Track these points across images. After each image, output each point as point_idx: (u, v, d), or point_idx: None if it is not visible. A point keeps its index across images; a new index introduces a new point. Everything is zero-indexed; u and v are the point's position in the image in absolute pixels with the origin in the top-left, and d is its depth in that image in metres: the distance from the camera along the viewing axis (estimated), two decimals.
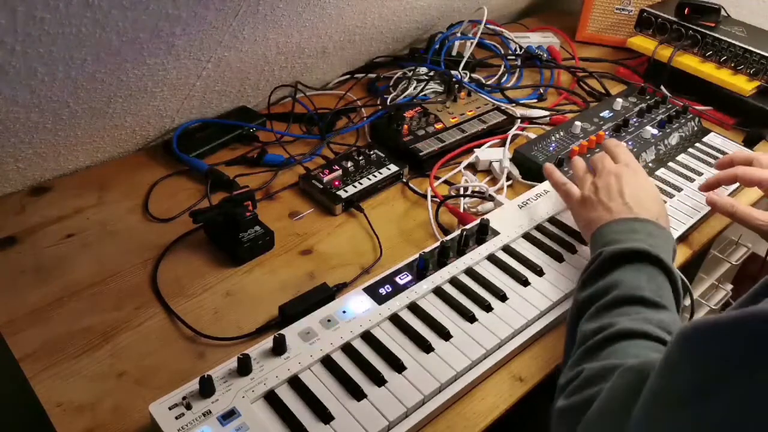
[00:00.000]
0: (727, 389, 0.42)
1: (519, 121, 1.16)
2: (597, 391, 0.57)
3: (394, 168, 1.00)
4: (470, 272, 0.81)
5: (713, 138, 1.14)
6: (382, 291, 0.76)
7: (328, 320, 0.72)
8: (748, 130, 1.19)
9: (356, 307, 0.74)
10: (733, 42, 1.22)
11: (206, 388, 0.63)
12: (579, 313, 0.68)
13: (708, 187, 0.94)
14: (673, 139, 1.11)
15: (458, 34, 1.34)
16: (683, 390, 0.45)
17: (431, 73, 1.24)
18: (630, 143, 1.06)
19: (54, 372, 0.70)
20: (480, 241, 0.85)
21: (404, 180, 1.02)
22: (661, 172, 1.04)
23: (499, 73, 1.32)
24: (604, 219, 0.76)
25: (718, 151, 1.11)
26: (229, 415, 0.62)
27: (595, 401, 0.56)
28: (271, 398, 0.65)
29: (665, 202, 0.97)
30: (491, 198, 0.96)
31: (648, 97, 1.20)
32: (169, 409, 0.62)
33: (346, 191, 0.95)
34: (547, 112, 1.20)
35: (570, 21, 1.54)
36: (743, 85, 1.19)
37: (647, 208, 0.77)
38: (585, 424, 0.56)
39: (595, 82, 1.32)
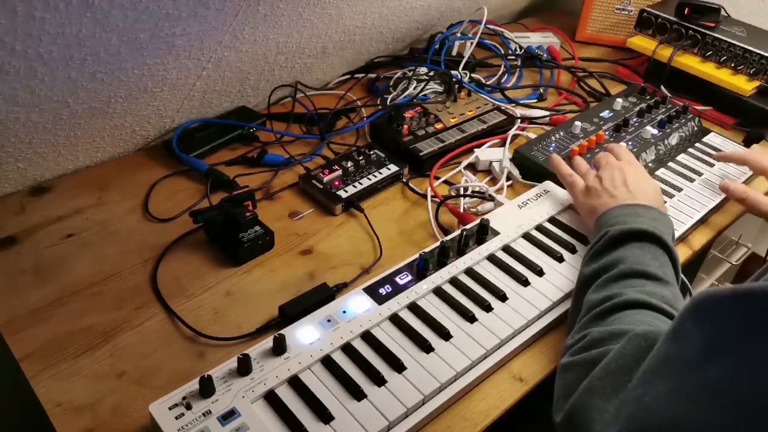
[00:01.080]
0: (733, 354, 0.45)
1: (519, 121, 1.16)
2: (603, 351, 0.61)
3: (394, 168, 1.00)
4: (470, 272, 0.81)
5: (713, 138, 1.14)
6: (382, 291, 0.76)
7: (328, 320, 0.72)
8: (748, 130, 1.19)
9: (356, 307, 0.74)
10: (733, 42, 1.22)
11: (206, 388, 0.63)
12: (586, 285, 0.73)
13: (721, 158, 1.05)
14: (673, 139, 1.11)
15: (458, 34, 1.34)
16: (692, 354, 0.48)
17: (431, 73, 1.24)
18: (630, 143, 1.06)
19: (54, 372, 0.70)
20: (480, 241, 0.85)
21: (404, 180, 1.02)
22: (661, 172, 1.04)
23: (499, 73, 1.32)
24: (609, 204, 0.81)
25: (718, 151, 1.10)
26: (229, 415, 0.62)
27: (601, 361, 0.60)
28: (271, 398, 0.65)
29: (665, 202, 0.97)
30: (491, 198, 0.96)
31: (648, 97, 1.20)
32: (169, 409, 0.62)
33: (346, 191, 0.95)
34: (547, 112, 1.20)
35: (570, 21, 1.54)
36: (743, 85, 1.19)
37: (649, 197, 0.82)
38: (589, 380, 0.59)
39: (595, 82, 1.32)
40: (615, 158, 0.90)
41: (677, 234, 0.92)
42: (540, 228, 0.89)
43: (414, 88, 1.20)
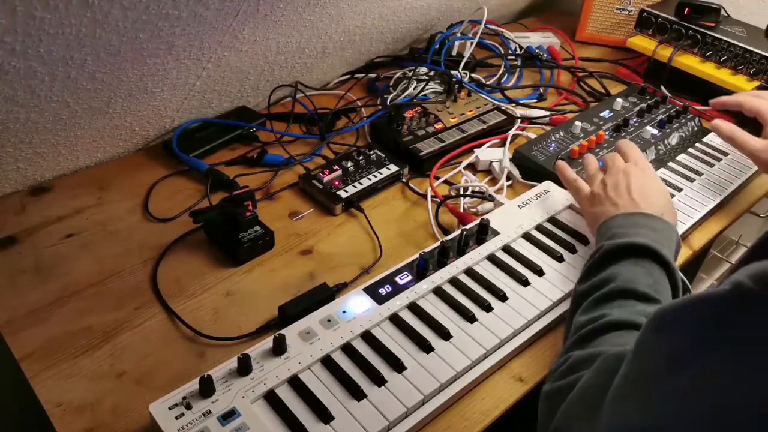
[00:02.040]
0: (693, 365, 0.43)
1: (519, 121, 1.16)
2: (580, 376, 0.59)
3: (394, 168, 1.00)
4: (470, 272, 0.81)
5: (713, 138, 1.14)
6: (382, 291, 0.76)
7: (328, 320, 0.72)
8: (748, 130, 1.18)
9: (356, 307, 0.74)
10: (733, 42, 1.22)
11: (206, 388, 0.63)
12: (576, 305, 0.71)
13: (716, 104, 1.05)
14: (673, 139, 1.11)
15: (458, 34, 1.34)
16: (655, 370, 0.47)
17: (431, 73, 1.24)
18: None
19: (54, 372, 0.70)
20: (480, 241, 0.85)
21: (404, 180, 1.02)
22: (661, 172, 1.04)
23: (499, 73, 1.32)
24: (610, 213, 0.79)
25: (718, 151, 1.10)
26: (229, 415, 0.62)
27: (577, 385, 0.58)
28: (271, 398, 0.65)
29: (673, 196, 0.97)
30: (491, 198, 0.96)
31: (648, 97, 1.20)
32: (169, 409, 0.62)
33: (346, 191, 0.95)
34: (547, 112, 1.20)
35: (570, 21, 1.54)
36: (743, 85, 1.19)
37: (653, 203, 0.79)
38: (566, 405, 0.58)
39: (595, 82, 1.32)
40: (623, 159, 0.87)
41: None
42: (540, 228, 0.89)
43: (414, 88, 1.20)
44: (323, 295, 0.79)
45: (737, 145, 0.97)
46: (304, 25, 1.07)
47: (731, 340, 0.42)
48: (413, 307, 0.76)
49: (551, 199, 0.93)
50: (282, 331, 0.69)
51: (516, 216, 0.89)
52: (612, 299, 0.67)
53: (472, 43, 1.31)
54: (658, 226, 0.75)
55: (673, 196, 0.99)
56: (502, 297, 0.78)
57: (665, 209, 0.79)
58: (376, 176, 0.98)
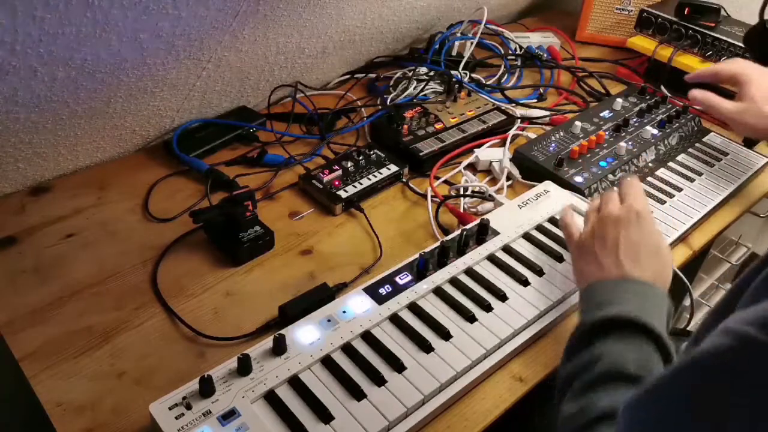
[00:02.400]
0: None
1: (519, 121, 1.16)
2: None
3: (394, 168, 1.00)
4: (470, 272, 0.81)
5: (713, 138, 1.14)
6: (382, 291, 0.76)
7: (328, 320, 0.72)
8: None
9: (356, 307, 0.74)
10: (733, 42, 1.22)
11: (206, 388, 0.63)
12: (563, 391, 0.63)
13: (691, 78, 1.06)
14: (673, 139, 1.11)
15: (458, 34, 1.34)
16: None
17: (431, 73, 1.24)
18: (630, 143, 1.06)
19: (54, 372, 0.70)
20: (480, 241, 0.85)
21: (404, 180, 1.02)
22: (661, 172, 1.04)
23: (499, 73, 1.32)
24: (594, 276, 0.71)
25: (718, 151, 1.11)
26: (229, 415, 0.62)
27: None
28: (271, 398, 0.65)
29: (665, 202, 0.97)
30: (491, 198, 0.96)
31: (648, 97, 1.20)
32: (169, 409, 0.62)
33: (346, 191, 0.95)
34: (547, 112, 1.20)
35: (570, 21, 1.54)
36: None
37: (643, 266, 0.69)
38: None
39: (595, 82, 1.32)
40: (618, 201, 0.77)
41: (677, 234, 0.92)
42: (540, 228, 0.89)
43: (414, 88, 1.20)
44: (323, 295, 0.79)
45: (713, 111, 0.99)
46: (304, 25, 1.07)
47: (748, 391, 0.41)
48: (413, 307, 0.76)
49: (551, 199, 0.93)
50: (282, 331, 0.69)
51: (516, 216, 0.89)
52: (599, 384, 0.60)
53: (472, 43, 1.31)
54: (647, 292, 0.67)
55: (673, 196, 0.99)
56: (502, 297, 0.78)
57: (657, 273, 0.70)
58: (376, 176, 0.98)
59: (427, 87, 1.20)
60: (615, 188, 0.81)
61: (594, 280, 0.70)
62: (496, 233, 0.86)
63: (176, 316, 0.77)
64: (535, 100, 1.25)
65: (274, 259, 0.86)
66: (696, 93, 1.01)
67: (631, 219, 0.73)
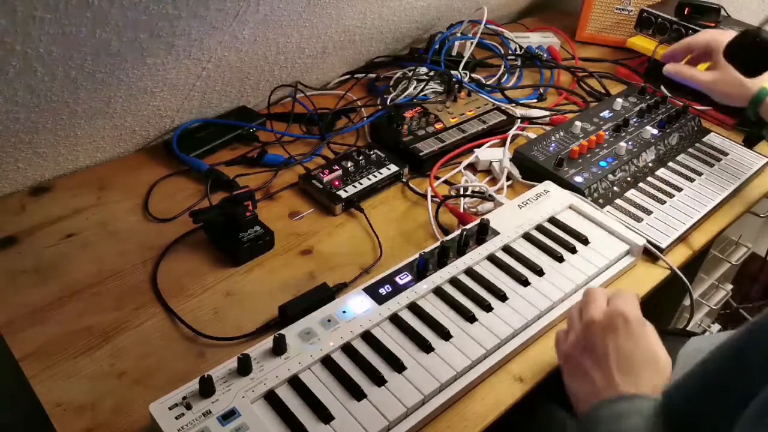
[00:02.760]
0: None
1: (519, 121, 1.16)
2: None
3: (394, 168, 1.00)
4: (470, 272, 0.81)
5: (713, 138, 1.14)
6: (382, 291, 0.76)
7: (328, 320, 0.72)
8: (748, 130, 1.19)
9: (356, 307, 0.74)
10: None
11: (206, 388, 0.63)
12: None
13: (667, 56, 1.08)
14: (673, 139, 1.11)
15: (458, 34, 1.34)
16: None
17: (431, 73, 1.24)
18: (630, 143, 1.06)
19: (54, 372, 0.70)
20: (480, 241, 0.85)
21: (404, 180, 1.02)
22: (661, 172, 1.04)
23: (499, 73, 1.32)
24: (588, 401, 0.62)
25: (718, 151, 1.11)
26: (229, 415, 0.62)
27: None
28: (271, 398, 0.65)
29: (665, 202, 0.97)
30: (491, 198, 0.96)
31: (648, 97, 1.20)
32: (169, 409, 0.62)
33: (346, 191, 0.95)
34: (547, 112, 1.20)
35: (570, 21, 1.54)
36: None
37: (639, 379, 0.61)
38: None
39: (595, 82, 1.32)
40: (604, 303, 0.67)
41: (677, 234, 0.92)
42: (540, 228, 0.89)
43: (414, 88, 1.20)
44: (323, 295, 0.79)
45: (689, 81, 1.01)
46: (304, 25, 1.07)
47: None
48: (413, 307, 0.76)
49: (551, 199, 0.93)
50: (282, 331, 0.69)
51: (516, 216, 0.89)
52: None
53: (472, 43, 1.31)
54: (645, 408, 0.58)
55: (673, 196, 0.99)
56: (502, 297, 0.78)
57: (655, 385, 0.60)
58: (376, 176, 0.98)
59: (427, 87, 1.20)
60: (600, 287, 0.74)
61: (588, 407, 0.61)
62: (496, 233, 0.86)
63: (176, 316, 0.77)
64: (535, 100, 1.25)
65: (274, 259, 0.86)
66: (669, 67, 1.04)
67: (618, 325, 0.63)
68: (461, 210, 0.95)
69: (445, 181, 1.02)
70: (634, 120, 1.13)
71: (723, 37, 0.97)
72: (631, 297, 0.68)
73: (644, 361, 0.62)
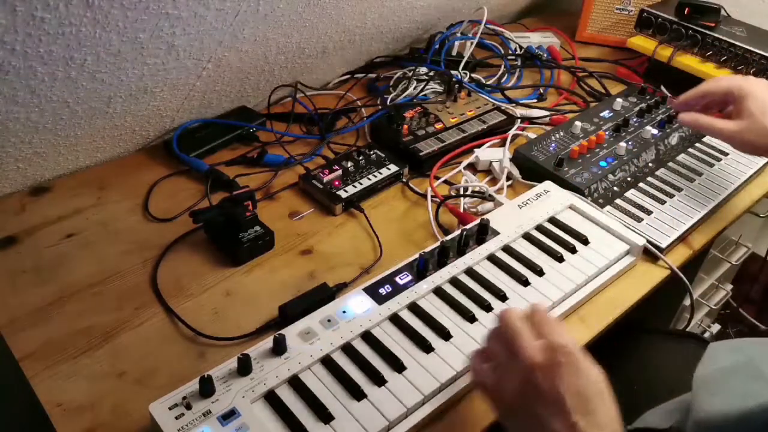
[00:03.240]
0: None
1: (519, 121, 1.16)
2: None
3: (394, 168, 1.00)
4: (470, 272, 0.81)
5: (713, 138, 1.14)
6: (382, 291, 0.76)
7: (328, 320, 0.72)
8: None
9: (356, 307, 0.74)
10: (733, 42, 1.22)
11: (206, 388, 0.63)
12: None
13: (680, 106, 0.98)
14: (673, 139, 1.11)
15: (458, 34, 1.34)
16: None
17: (431, 73, 1.24)
18: (630, 143, 1.06)
19: (54, 372, 0.70)
20: (480, 241, 0.85)
21: (404, 180, 1.02)
22: (661, 172, 1.04)
23: (499, 73, 1.32)
24: None
25: (718, 151, 1.11)
26: (229, 415, 0.62)
27: None
28: (271, 398, 0.65)
29: (665, 202, 0.97)
30: (491, 198, 0.96)
31: (648, 97, 1.20)
32: (169, 409, 0.62)
33: (346, 191, 0.95)
34: (547, 112, 1.20)
35: (570, 21, 1.54)
36: None
37: (599, 417, 0.55)
38: None
39: (595, 82, 1.32)
40: (532, 338, 0.58)
41: (677, 234, 0.92)
42: (540, 228, 0.89)
43: (414, 88, 1.20)
44: (323, 295, 0.79)
45: (708, 132, 0.93)
46: (304, 25, 1.07)
47: None
48: (413, 307, 0.76)
49: (551, 199, 0.93)
50: (282, 331, 0.69)
51: (516, 216, 0.89)
52: None
53: (472, 43, 1.31)
54: None
55: (673, 196, 0.99)
56: (502, 297, 0.78)
57: (613, 418, 0.55)
58: (376, 176, 0.98)
59: (427, 87, 1.20)
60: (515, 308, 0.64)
61: None
62: (496, 233, 0.86)
63: (176, 316, 0.77)
64: (535, 100, 1.25)
65: (274, 259, 0.86)
66: (685, 117, 0.94)
67: (562, 362, 0.56)
68: (461, 210, 0.95)
69: (445, 181, 1.02)
70: (634, 120, 1.13)
71: (744, 81, 0.91)
72: (560, 323, 0.61)
73: (596, 394, 0.55)
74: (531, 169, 1.02)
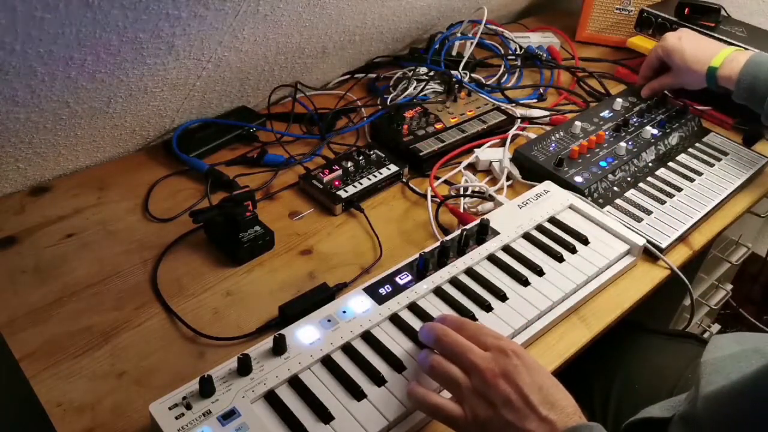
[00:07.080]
0: None
1: (519, 121, 1.16)
2: None
3: (394, 168, 1.00)
4: (470, 272, 0.81)
5: (713, 138, 1.14)
6: (382, 291, 0.76)
7: (328, 320, 0.72)
8: (748, 129, 1.19)
9: (356, 307, 0.74)
10: (733, 42, 1.22)
11: (206, 388, 0.63)
12: None
13: (642, 80, 1.21)
14: (673, 139, 1.11)
15: (458, 34, 1.34)
16: None
17: (431, 73, 1.24)
18: (630, 143, 1.06)
19: (54, 372, 0.70)
20: (480, 241, 0.85)
21: (404, 180, 1.02)
22: (661, 172, 1.04)
23: (499, 73, 1.32)
24: None
25: (718, 151, 1.11)
26: (229, 415, 0.62)
27: None
28: (271, 398, 0.65)
29: (665, 202, 0.97)
30: (491, 198, 0.96)
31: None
32: (169, 409, 0.62)
33: (346, 191, 0.95)
34: (547, 112, 1.20)
35: (570, 21, 1.54)
36: None
37: (564, 406, 0.57)
38: None
39: (595, 82, 1.32)
40: (477, 350, 0.61)
41: (677, 234, 0.92)
42: (540, 228, 0.89)
43: (414, 88, 1.20)
44: (323, 295, 0.79)
45: (663, 88, 1.17)
46: (304, 25, 1.07)
47: None
48: (413, 307, 0.76)
49: (551, 199, 0.93)
50: (282, 331, 0.69)
51: (516, 216, 0.89)
52: None
53: (472, 43, 1.31)
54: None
55: (673, 196, 0.99)
56: (502, 297, 0.78)
57: (569, 401, 0.58)
58: (376, 176, 0.98)
59: (427, 87, 1.20)
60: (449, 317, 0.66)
61: None
62: (496, 233, 0.86)
63: (176, 316, 0.77)
64: (535, 100, 1.25)
65: (274, 259, 0.86)
66: (645, 91, 1.18)
67: (514, 363, 0.59)
68: (461, 210, 0.95)
69: (445, 181, 1.02)
70: (634, 120, 1.13)
71: (664, 43, 1.13)
72: (488, 328, 0.64)
73: (552, 385, 0.59)
74: (531, 169, 1.02)
